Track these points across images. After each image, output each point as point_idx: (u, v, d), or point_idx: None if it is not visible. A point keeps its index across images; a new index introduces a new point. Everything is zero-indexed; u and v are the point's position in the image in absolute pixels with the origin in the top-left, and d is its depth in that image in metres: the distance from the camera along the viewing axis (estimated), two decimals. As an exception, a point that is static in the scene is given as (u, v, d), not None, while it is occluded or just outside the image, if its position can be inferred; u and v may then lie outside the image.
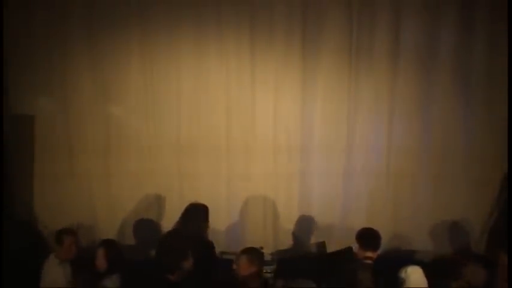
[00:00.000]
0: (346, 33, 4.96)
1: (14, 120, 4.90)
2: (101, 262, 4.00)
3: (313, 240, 5.27)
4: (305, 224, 5.24)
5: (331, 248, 5.19)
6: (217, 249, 4.89)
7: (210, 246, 4.33)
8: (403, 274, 3.77)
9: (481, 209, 5.13)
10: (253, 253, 3.75)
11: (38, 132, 5.01)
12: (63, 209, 4.97)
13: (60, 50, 4.88)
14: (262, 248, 4.34)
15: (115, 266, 3.99)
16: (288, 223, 5.23)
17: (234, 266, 3.74)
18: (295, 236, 5.25)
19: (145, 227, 5.15)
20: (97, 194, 5.10)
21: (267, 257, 4.70)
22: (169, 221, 5.06)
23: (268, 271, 4.54)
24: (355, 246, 4.20)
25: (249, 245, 4.96)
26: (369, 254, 4.01)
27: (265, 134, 5.11)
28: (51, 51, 4.89)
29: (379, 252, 4.08)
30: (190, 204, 4.45)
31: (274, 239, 5.22)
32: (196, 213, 4.37)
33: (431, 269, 3.83)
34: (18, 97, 4.93)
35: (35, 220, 5.02)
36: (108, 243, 4.14)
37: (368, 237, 4.11)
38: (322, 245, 5.23)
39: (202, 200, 4.60)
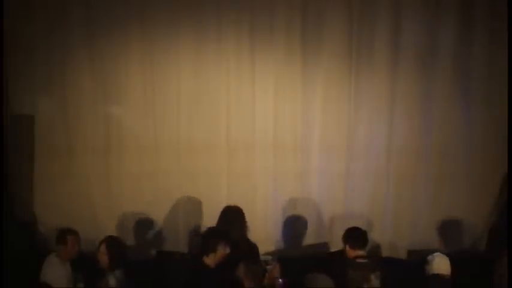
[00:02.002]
0: (346, 33, 4.96)
1: (14, 120, 4.90)
2: (103, 258, 3.99)
3: (314, 240, 5.27)
4: (305, 223, 5.23)
5: (333, 249, 5.20)
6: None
7: (254, 247, 4.36)
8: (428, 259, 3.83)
9: (481, 209, 5.13)
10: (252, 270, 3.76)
11: (38, 132, 5.00)
12: (63, 209, 4.96)
13: (60, 50, 4.89)
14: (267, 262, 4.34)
15: (117, 262, 3.99)
16: (288, 223, 5.22)
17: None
18: (295, 235, 5.25)
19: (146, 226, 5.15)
20: (97, 194, 5.08)
21: (267, 258, 4.68)
22: (168, 222, 5.08)
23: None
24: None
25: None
26: (360, 252, 4.05)
27: (265, 133, 5.11)
28: (51, 51, 4.89)
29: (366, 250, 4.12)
30: (226, 207, 4.49)
31: (274, 238, 5.21)
32: (234, 216, 4.41)
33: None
34: (18, 97, 4.93)
35: (34, 220, 5.01)
36: (110, 239, 4.13)
37: (356, 236, 4.16)
38: (324, 246, 5.23)
39: (202, 199, 4.59)
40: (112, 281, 3.95)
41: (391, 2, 4.94)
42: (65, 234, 4.23)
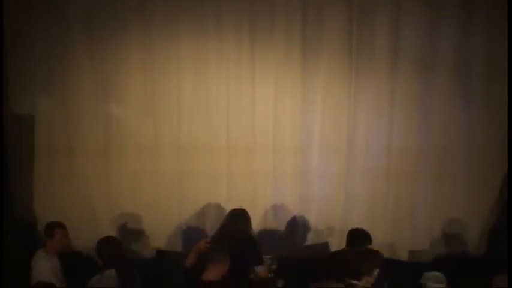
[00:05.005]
0: (346, 33, 4.96)
1: (14, 120, 4.90)
2: (101, 257, 4.01)
3: (314, 240, 5.27)
4: (305, 224, 5.23)
5: (332, 248, 5.19)
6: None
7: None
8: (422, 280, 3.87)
9: (481, 209, 5.13)
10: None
11: (38, 132, 4.99)
12: (63, 209, 4.94)
13: (60, 49, 4.87)
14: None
15: (115, 261, 3.99)
16: (288, 223, 5.22)
17: None
18: (295, 236, 5.25)
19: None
20: (97, 194, 5.07)
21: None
22: (167, 222, 5.07)
23: (268, 271, 4.52)
24: None
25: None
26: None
27: (265, 134, 5.11)
28: (51, 50, 4.87)
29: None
30: (232, 210, 4.49)
31: (274, 239, 5.21)
32: (240, 219, 4.41)
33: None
34: (18, 97, 4.92)
35: (34, 220, 5.01)
36: (107, 239, 4.15)
37: (356, 236, 4.26)
38: (324, 246, 5.23)
39: (202, 200, 4.57)
40: (110, 279, 3.95)
41: (391, 0, 4.94)
42: (52, 228, 4.20)
